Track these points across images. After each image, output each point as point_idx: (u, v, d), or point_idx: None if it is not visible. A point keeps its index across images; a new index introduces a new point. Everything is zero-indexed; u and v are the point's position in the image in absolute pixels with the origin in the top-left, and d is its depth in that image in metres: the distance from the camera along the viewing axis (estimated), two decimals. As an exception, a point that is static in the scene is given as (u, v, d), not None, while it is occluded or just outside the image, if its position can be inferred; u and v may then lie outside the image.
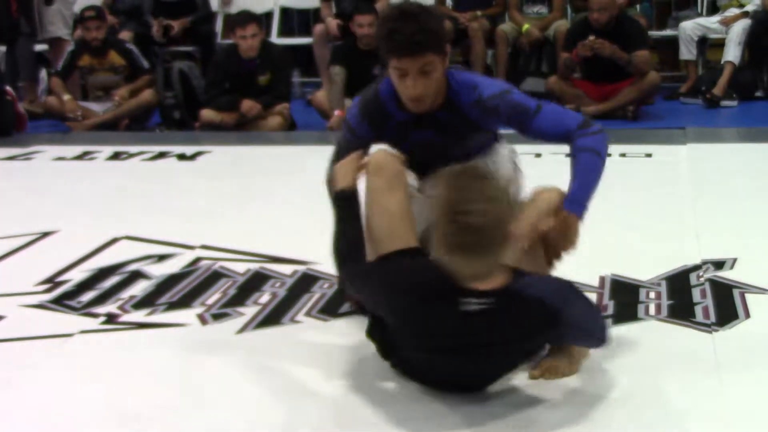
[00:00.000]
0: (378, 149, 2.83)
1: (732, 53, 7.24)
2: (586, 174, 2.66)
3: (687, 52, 7.65)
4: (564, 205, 2.63)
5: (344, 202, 2.67)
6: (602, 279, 3.31)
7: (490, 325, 2.29)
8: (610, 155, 2.74)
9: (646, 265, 3.39)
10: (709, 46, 7.86)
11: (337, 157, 2.88)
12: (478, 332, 2.29)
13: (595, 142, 2.67)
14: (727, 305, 3.03)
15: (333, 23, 7.66)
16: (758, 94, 7.46)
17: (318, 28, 7.92)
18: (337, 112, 6.57)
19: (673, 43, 8.00)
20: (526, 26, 7.52)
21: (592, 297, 3.14)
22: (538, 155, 5.52)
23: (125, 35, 7.74)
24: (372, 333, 2.59)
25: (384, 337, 2.52)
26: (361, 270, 2.58)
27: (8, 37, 7.59)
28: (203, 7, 8.12)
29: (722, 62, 7.32)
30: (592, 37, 6.60)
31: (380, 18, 2.74)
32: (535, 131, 2.74)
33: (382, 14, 2.75)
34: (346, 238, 2.63)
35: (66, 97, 7.09)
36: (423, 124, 2.81)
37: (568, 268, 3.32)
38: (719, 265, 3.41)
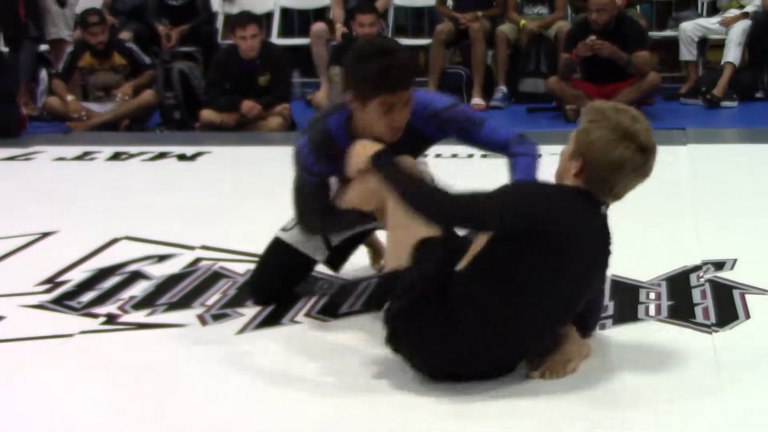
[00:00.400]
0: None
1: (732, 54, 7.24)
2: (527, 172, 2.91)
3: (687, 53, 7.65)
4: None
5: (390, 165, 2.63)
6: (602, 279, 3.30)
7: (608, 233, 2.55)
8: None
9: (646, 266, 3.39)
10: (709, 46, 7.87)
11: (306, 202, 2.98)
12: (607, 235, 2.54)
13: (528, 149, 2.95)
14: (727, 306, 3.04)
15: (339, 30, 7.66)
16: (758, 94, 7.46)
17: (315, 27, 7.92)
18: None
19: (673, 43, 8.00)
20: (523, 21, 7.52)
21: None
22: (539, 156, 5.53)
23: (125, 35, 7.74)
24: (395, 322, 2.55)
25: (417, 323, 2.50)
26: (470, 196, 2.50)
27: (16, 41, 7.61)
28: (204, 11, 8.13)
29: (722, 63, 7.32)
30: (592, 37, 6.60)
31: (358, 58, 2.70)
32: (479, 139, 2.96)
33: (358, 53, 2.72)
34: (418, 186, 2.56)
35: (69, 97, 7.09)
36: None
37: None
38: (719, 265, 3.41)
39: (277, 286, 3.20)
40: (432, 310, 2.47)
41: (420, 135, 2.93)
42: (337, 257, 3.25)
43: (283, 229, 3.21)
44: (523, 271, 2.41)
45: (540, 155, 2.96)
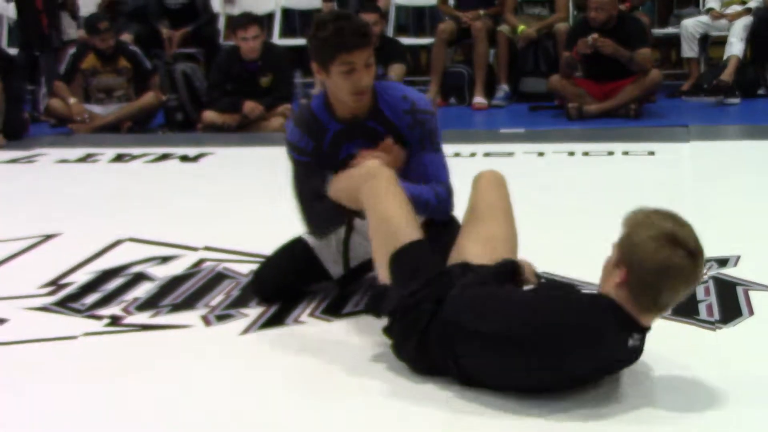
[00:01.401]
0: (367, 161, 2.86)
1: (736, 48, 7.23)
2: (418, 194, 2.90)
3: (689, 50, 7.65)
4: None
5: None
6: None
7: (631, 361, 2.42)
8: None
9: (650, 263, 3.39)
10: (711, 43, 7.86)
11: (301, 184, 3.06)
12: (624, 365, 2.43)
13: (444, 194, 3.00)
14: (730, 302, 3.03)
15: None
16: (761, 91, 7.46)
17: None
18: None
19: (675, 40, 8.00)
20: (521, 27, 7.52)
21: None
22: (541, 154, 5.53)
23: (126, 37, 7.74)
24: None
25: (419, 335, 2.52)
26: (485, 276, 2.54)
27: (40, 51, 7.65)
28: (205, 13, 8.13)
29: (725, 57, 7.30)
30: (594, 35, 6.59)
31: (315, 26, 2.87)
32: (419, 161, 2.98)
33: (315, 23, 2.89)
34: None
35: (72, 100, 7.09)
36: (354, 135, 2.98)
37: (571, 267, 3.34)
38: (723, 262, 3.41)
39: (284, 282, 3.18)
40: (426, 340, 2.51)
41: (394, 127, 2.97)
42: (349, 278, 3.23)
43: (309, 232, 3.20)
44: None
45: (445, 209, 3.01)
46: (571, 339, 2.32)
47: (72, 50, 7.32)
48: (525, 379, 2.40)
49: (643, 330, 2.37)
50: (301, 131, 3.02)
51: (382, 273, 2.70)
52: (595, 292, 2.44)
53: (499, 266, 2.61)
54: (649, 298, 2.31)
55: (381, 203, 2.70)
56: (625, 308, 2.32)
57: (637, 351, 2.38)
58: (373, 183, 2.73)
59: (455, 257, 2.79)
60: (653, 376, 2.52)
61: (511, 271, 2.61)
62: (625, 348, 2.35)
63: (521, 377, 2.40)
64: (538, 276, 2.74)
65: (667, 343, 2.74)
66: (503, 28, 7.61)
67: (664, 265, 2.25)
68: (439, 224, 3.02)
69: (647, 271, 2.27)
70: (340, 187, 2.89)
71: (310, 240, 3.18)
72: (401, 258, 2.64)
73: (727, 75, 7.15)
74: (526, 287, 2.59)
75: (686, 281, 2.30)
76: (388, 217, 2.68)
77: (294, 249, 3.22)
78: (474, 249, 2.79)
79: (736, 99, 7.19)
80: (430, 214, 2.99)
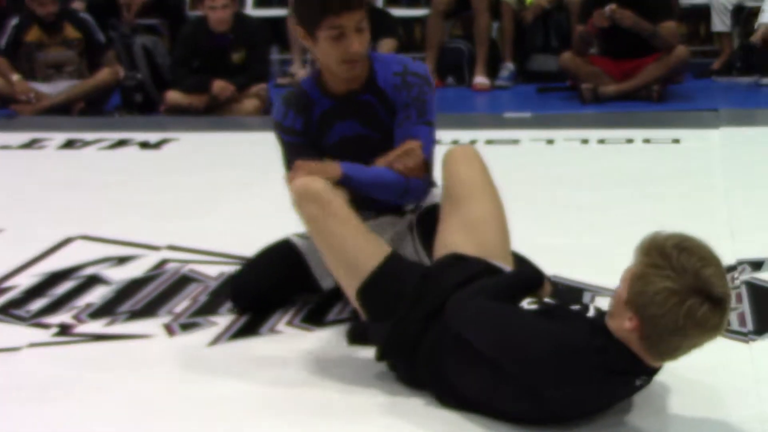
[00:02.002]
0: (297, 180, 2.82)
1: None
2: (380, 174, 2.89)
3: (720, 24, 7.67)
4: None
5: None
6: (624, 282, 3.32)
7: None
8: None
9: (674, 266, 3.40)
10: (746, 16, 7.86)
11: (291, 159, 3.00)
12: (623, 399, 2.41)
13: (417, 181, 2.93)
14: (765, 311, 3.05)
15: None
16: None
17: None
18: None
19: (704, 12, 8.01)
20: None
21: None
22: (550, 142, 5.55)
23: (77, 5, 7.73)
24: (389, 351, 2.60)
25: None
26: (504, 310, 2.45)
27: None
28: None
29: (756, 25, 7.29)
30: (612, 6, 6.60)
31: None
32: (403, 133, 2.95)
33: None
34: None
35: (15, 77, 7.07)
36: (346, 112, 2.99)
37: (584, 269, 3.36)
38: (757, 265, 3.42)
39: (265, 290, 3.17)
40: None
41: (386, 98, 2.97)
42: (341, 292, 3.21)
43: (300, 236, 3.18)
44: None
45: (417, 193, 2.98)
46: (578, 385, 2.30)
47: (14, 20, 7.27)
48: (521, 413, 2.40)
49: (655, 371, 2.35)
50: (287, 107, 3.03)
51: (354, 306, 2.70)
52: (604, 320, 2.34)
53: (522, 276, 2.59)
54: (666, 350, 2.25)
55: (325, 231, 2.67)
56: (636, 354, 2.27)
57: (645, 385, 2.38)
58: (308, 209, 2.69)
59: (440, 250, 2.81)
60: (680, 394, 2.52)
61: (533, 285, 2.57)
62: (632, 387, 2.36)
63: (520, 411, 2.40)
64: (555, 286, 2.74)
65: (695, 357, 2.74)
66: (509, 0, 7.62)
67: (684, 323, 2.16)
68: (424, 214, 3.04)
69: (664, 328, 2.18)
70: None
71: (300, 243, 3.17)
72: (369, 294, 2.63)
73: (757, 36, 7.14)
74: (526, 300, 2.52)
75: (710, 333, 2.21)
76: (339, 245, 2.66)
77: (279, 253, 3.21)
78: (457, 238, 2.80)
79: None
80: (402, 198, 2.98)
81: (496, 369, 2.35)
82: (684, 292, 2.14)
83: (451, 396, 2.48)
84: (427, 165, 2.97)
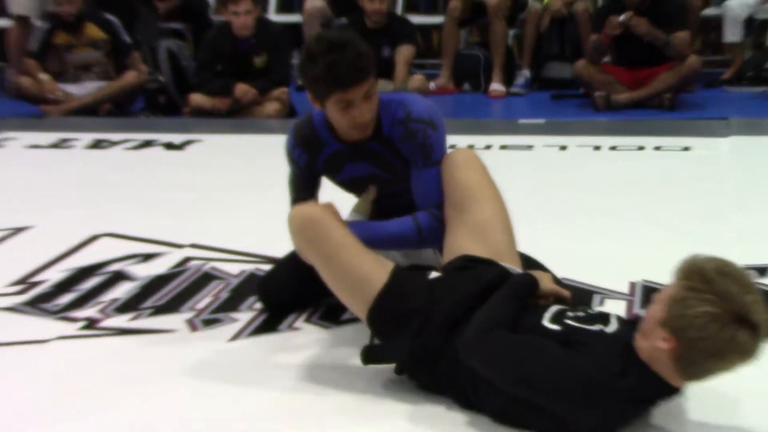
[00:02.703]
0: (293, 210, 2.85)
1: None
2: (394, 231, 2.96)
3: (732, 34, 7.62)
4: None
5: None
6: (633, 285, 3.33)
7: None
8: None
9: (682, 271, 3.40)
10: (757, 27, 7.83)
11: (292, 188, 3.14)
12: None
13: (429, 222, 2.95)
14: (770, 315, 3.04)
15: None
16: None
17: (309, 5, 7.91)
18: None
19: (716, 23, 7.98)
20: (547, 0, 7.53)
21: (621, 305, 3.17)
22: (563, 148, 5.55)
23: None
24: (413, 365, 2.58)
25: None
26: (529, 343, 2.37)
27: None
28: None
29: None
30: (627, 13, 6.58)
31: (305, 58, 2.82)
32: (413, 179, 2.99)
33: (305, 54, 2.84)
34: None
35: (44, 77, 7.10)
36: (356, 156, 3.01)
37: (594, 273, 3.36)
38: (764, 271, 3.42)
39: (294, 291, 3.15)
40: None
41: (393, 146, 2.97)
42: None
43: None
44: None
45: (435, 234, 2.94)
46: (600, 407, 2.27)
47: (44, 25, 7.31)
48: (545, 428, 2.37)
49: (678, 391, 2.33)
50: (296, 142, 3.05)
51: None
52: (629, 339, 2.31)
53: (516, 285, 2.54)
54: (698, 371, 2.23)
55: (325, 257, 2.65)
56: (661, 374, 2.25)
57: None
58: (305, 237, 2.68)
59: (449, 256, 2.81)
60: (694, 398, 2.48)
61: (529, 287, 2.55)
62: (654, 406, 2.36)
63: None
64: (561, 284, 2.71)
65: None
66: (534, 3, 7.59)
67: (724, 349, 2.14)
68: None
69: (701, 352, 2.16)
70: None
71: None
72: (378, 314, 2.59)
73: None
74: (548, 314, 2.47)
75: (746, 358, 2.18)
76: (341, 266, 2.62)
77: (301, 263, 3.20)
78: (465, 243, 2.79)
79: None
80: (417, 247, 3.00)
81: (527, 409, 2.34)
82: (725, 317, 2.12)
83: (470, 402, 2.47)
84: (436, 210, 2.95)
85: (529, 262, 2.94)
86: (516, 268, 2.73)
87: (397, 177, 3.03)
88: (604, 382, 2.24)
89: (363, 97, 2.80)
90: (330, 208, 2.80)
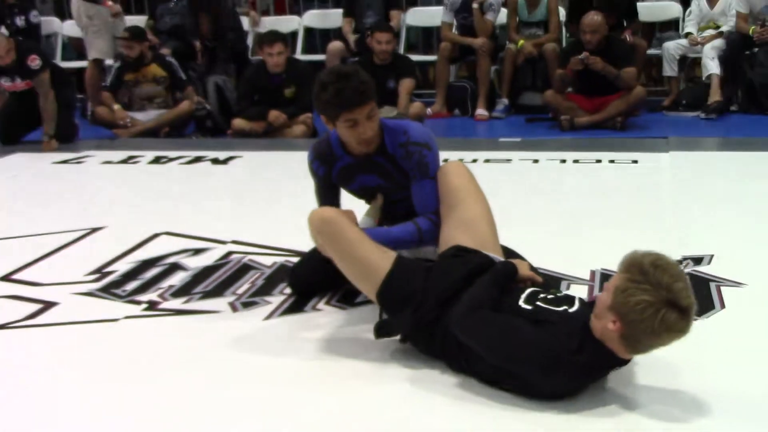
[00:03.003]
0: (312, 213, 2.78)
1: (712, 67, 7.21)
2: (399, 236, 2.92)
3: (669, 69, 7.62)
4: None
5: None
6: (593, 273, 3.30)
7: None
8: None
9: (632, 261, 3.38)
10: (689, 63, 7.83)
11: (318, 197, 3.14)
12: None
13: (427, 226, 2.93)
14: (704, 297, 3.02)
15: (351, 38, 7.70)
16: (733, 107, 7.41)
17: (332, 46, 7.92)
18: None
19: (656, 60, 7.97)
20: (521, 42, 7.51)
21: (583, 289, 3.14)
22: (536, 161, 5.52)
23: (165, 52, 7.75)
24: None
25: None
26: (506, 321, 2.36)
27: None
28: (234, 31, 8.13)
29: (704, 77, 7.28)
30: (585, 53, 6.58)
31: (319, 87, 2.82)
32: (413, 189, 2.97)
33: (318, 84, 2.83)
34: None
35: (116, 107, 7.13)
36: (365, 168, 3.00)
37: (561, 263, 3.34)
38: (698, 260, 3.40)
39: (319, 279, 3.11)
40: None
41: (396, 161, 2.96)
42: None
43: None
44: None
45: (432, 235, 2.91)
46: (562, 375, 2.26)
47: (117, 65, 7.35)
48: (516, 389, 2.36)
49: (627, 362, 2.33)
50: (315, 156, 3.06)
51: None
52: (586, 318, 2.30)
53: (498, 272, 2.52)
54: (640, 348, 2.25)
55: (341, 251, 2.63)
56: (614, 351, 2.25)
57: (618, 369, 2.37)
58: (324, 234, 2.65)
59: (443, 246, 2.79)
60: (643, 366, 2.47)
61: (509, 274, 2.54)
62: (607, 372, 2.36)
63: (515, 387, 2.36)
64: (535, 271, 2.69)
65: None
66: (511, 45, 7.60)
67: (659, 329, 2.15)
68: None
69: (642, 332, 2.17)
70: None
71: None
72: (385, 295, 2.59)
73: (715, 95, 7.14)
74: (524, 295, 2.45)
75: (677, 335, 2.20)
76: (353, 257, 2.61)
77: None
78: (455, 234, 2.77)
79: (711, 114, 7.16)
80: (417, 247, 2.97)
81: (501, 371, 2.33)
82: (658, 303, 2.14)
83: (462, 367, 2.46)
84: (432, 215, 2.94)
85: (509, 253, 2.92)
86: (498, 257, 2.72)
87: (399, 187, 3.02)
88: (563, 355, 2.23)
89: (366, 117, 2.81)
90: (349, 214, 2.82)
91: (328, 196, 3.12)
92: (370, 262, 2.60)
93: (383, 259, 2.61)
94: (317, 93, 2.83)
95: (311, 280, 3.15)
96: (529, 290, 2.48)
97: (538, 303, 2.41)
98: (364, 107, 2.79)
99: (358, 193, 3.14)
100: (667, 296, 2.13)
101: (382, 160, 2.97)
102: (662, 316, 2.13)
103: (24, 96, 6.56)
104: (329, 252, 2.69)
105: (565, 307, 2.39)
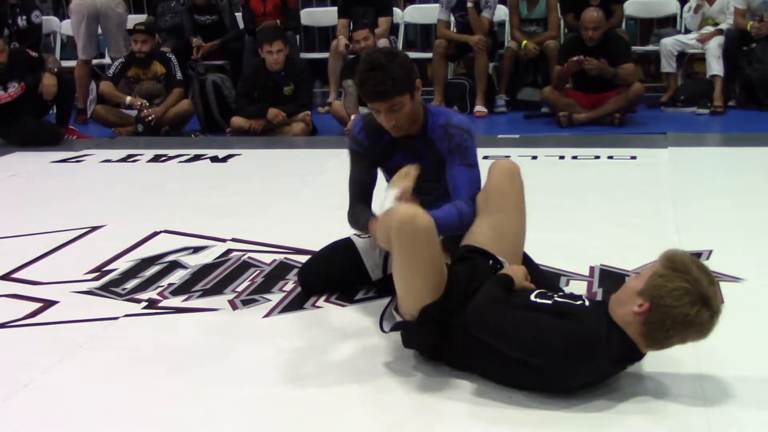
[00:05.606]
0: (399, 205, 2.62)
1: (715, 67, 7.19)
2: (444, 221, 2.74)
3: (667, 66, 7.62)
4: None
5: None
6: (592, 269, 3.30)
7: None
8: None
9: (631, 256, 3.38)
10: (687, 60, 7.83)
11: (351, 174, 3.03)
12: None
13: (468, 210, 2.83)
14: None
15: (342, 41, 7.67)
16: (731, 103, 7.41)
17: (335, 43, 7.92)
18: (353, 117, 6.58)
19: (654, 57, 7.97)
20: (524, 42, 7.50)
21: (583, 285, 3.14)
22: (534, 157, 5.52)
23: (165, 50, 7.73)
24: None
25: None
26: (526, 315, 2.33)
27: None
28: (232, 28, 8.14)
29: (708, 76, 7.28)
30: (581, 56, 6.59)
31: (360, 65, 2.79)
32: (449, 171, 2.91)
33: (360, 64, 2.80)
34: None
35: (128, 98, 7.05)
36: (404, 147, 2.95)
37: (560, 259, 3.34)
38: (696, 256, 3.37)
39: (328, 277, 3.11)
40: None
41: (434, 146, 2.92)
42: (384, 282, 3.06)
43: (358, 235, 3.12)
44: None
45: (471, 217, 2.80)
46: (597, 364, 2.25)
47: (121, 59, 7.30)
48: (523, 383, 2.34)
49: (641, 358, 2.32)
50: (363, 126, 2.99)
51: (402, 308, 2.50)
52: (605, 309, 2.30)
53: (498, 282, 2.46)
54: (661, 337, 2.23)
55: (409, 259, 2.41)
56: (633, 340, 2.24)
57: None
58: (404, 230, 2.38)
59: (467, 241, 2.75)
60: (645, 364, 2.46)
61: (508, 283, 2.48)
62: (623, 368, 2.35)
63: (523, 383, 2.34)
64: (535, 271, 2.66)
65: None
66: (511, 43, 7.58)
67: (688, 319, 2.17)
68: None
69: (670, 317, 2.18)
70: (380, 224, 2.60)
71: (359, 242, 3.12)
72: (426, 314, 2.43)
73: (717, 99, 7.13)
74: (533, 294, 2.43)
75: (700, 335, 2.22)
76: (416, 274, 2.41)
77: (341, 248, 3.15)
78: (481, 236, 2.72)
79: (706, 110, 7.16)
80: (459, 231, 2.85)
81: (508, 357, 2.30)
82: (696, 295, 2.17)
83: (468, 366, 2.43)
84: (468, 200, 2.84)
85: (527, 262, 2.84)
86: (506, 261, 2.67)
87: (432, 176, 2.93)
88: (599, 345, 2.22)
89: (387, 110, 2.78)
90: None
91: (363, 185, 3.00)
92: (426, 287, 2.42)
93: (435, 290, 2.43)
94: (356, 74, 2.82)
95: (323, 279, 3.12)
96: (536, 291, 2.47)
97: (556, 298, 2.40)
98: (384, 102, 2.75)
99: (393, 171, 2.97)
100: (703, 293, 2.17)
101: (420, 144, 2.93)
102: (697, 310, 2.16)
103: (8, 107, 6.49)
104: (394, 249, 2.43)
105: (581, 302, 2.39)
